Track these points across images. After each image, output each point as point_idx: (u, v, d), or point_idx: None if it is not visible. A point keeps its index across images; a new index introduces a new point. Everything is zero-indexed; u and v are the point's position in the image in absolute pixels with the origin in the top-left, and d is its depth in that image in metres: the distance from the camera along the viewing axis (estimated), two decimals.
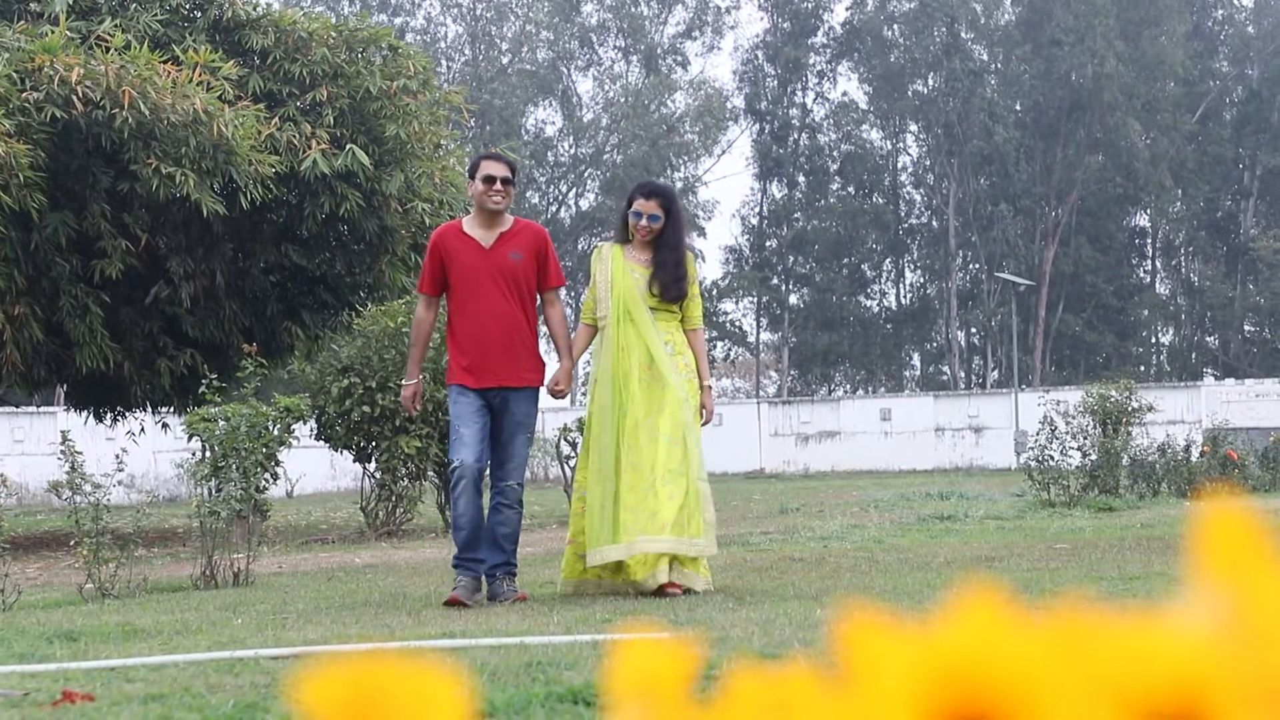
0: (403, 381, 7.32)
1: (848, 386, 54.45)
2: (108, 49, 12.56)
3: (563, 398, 7.20)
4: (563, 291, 7.36)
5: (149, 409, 16.32)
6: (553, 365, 7.44)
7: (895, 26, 50.87)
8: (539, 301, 7.12)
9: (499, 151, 7.93)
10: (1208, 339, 54.40)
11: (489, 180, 6.90)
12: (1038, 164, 49.58)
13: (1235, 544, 0.41)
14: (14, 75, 12.09)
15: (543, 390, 7.12)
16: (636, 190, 7.20)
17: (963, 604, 0.44)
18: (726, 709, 0.50)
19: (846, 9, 52.34)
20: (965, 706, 0.43)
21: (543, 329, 7.27)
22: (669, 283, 6.96)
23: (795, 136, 52.49)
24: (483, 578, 6.85)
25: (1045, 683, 0.43)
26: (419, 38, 50.25)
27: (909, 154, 54.05)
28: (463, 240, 6.97)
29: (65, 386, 16.50)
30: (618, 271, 7.00)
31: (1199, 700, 0.41)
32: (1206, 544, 0.42)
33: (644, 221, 6.99)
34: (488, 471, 6.97)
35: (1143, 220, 54.16)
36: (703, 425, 7.01)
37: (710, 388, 7.11)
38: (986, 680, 0.43)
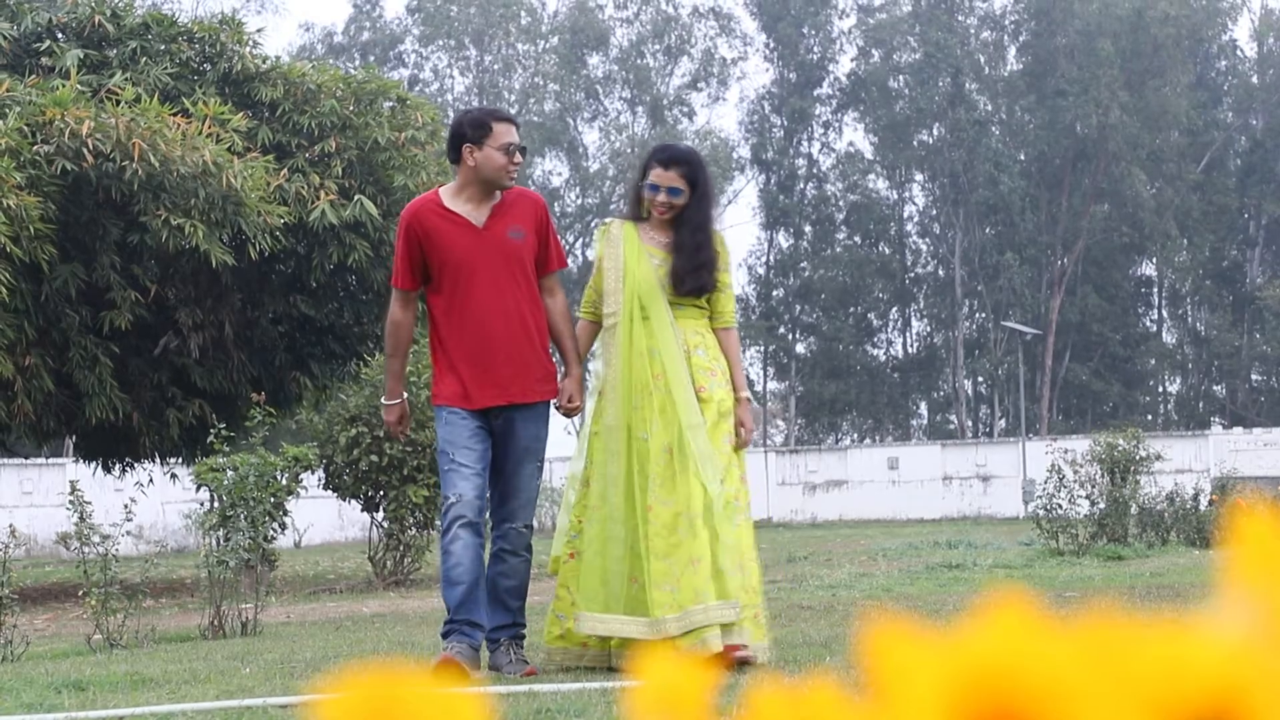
0: (383, 402, 5.84)
1: (855, 435, 54.34)
2: (118, 102, 12.64)
3: (576, 415, 5.83)
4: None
5: (157, 459, 16.33)
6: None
7: (900, 77, 51.11)
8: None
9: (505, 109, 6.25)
10: (1215, 388, 54.31)
11: (511, 151, 5.46)
12: (1043, 213, 49.67)
13: (1269, 551, 0.41)
14: (25, 128, 12.17)
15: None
16: (653, 156, 5.63)
17: (992, 614, 0.44)
18: None
19: (851, 60, 52.66)
20: (997, 718, 0.44)
21: None
22: (686, 271, 5.49)
23: (801, 186, 52.64)
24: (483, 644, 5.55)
25: (1078, 693, 0.43)
26: (426, 89, 50.56)
27: (915, 203, 54.20)
28: (447, 218, 5.49)
29: (74, 437, 16.51)
30: (631, 256, 5.53)
31: (1234, 710, 0.42)
32: (1240, 552, 0.42)
33: (661, 197, 5.51)
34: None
35: (1149, 269, 54.21)
36: (739, 448, 5.56)
37: (748, 400, 5.64)
38: (1018, 691, 0.44)
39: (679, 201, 5.51)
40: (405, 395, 5.79)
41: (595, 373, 5.75)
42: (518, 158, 5.46)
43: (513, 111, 50.88)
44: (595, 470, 5.48)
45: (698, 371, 5.50)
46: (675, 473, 5.30)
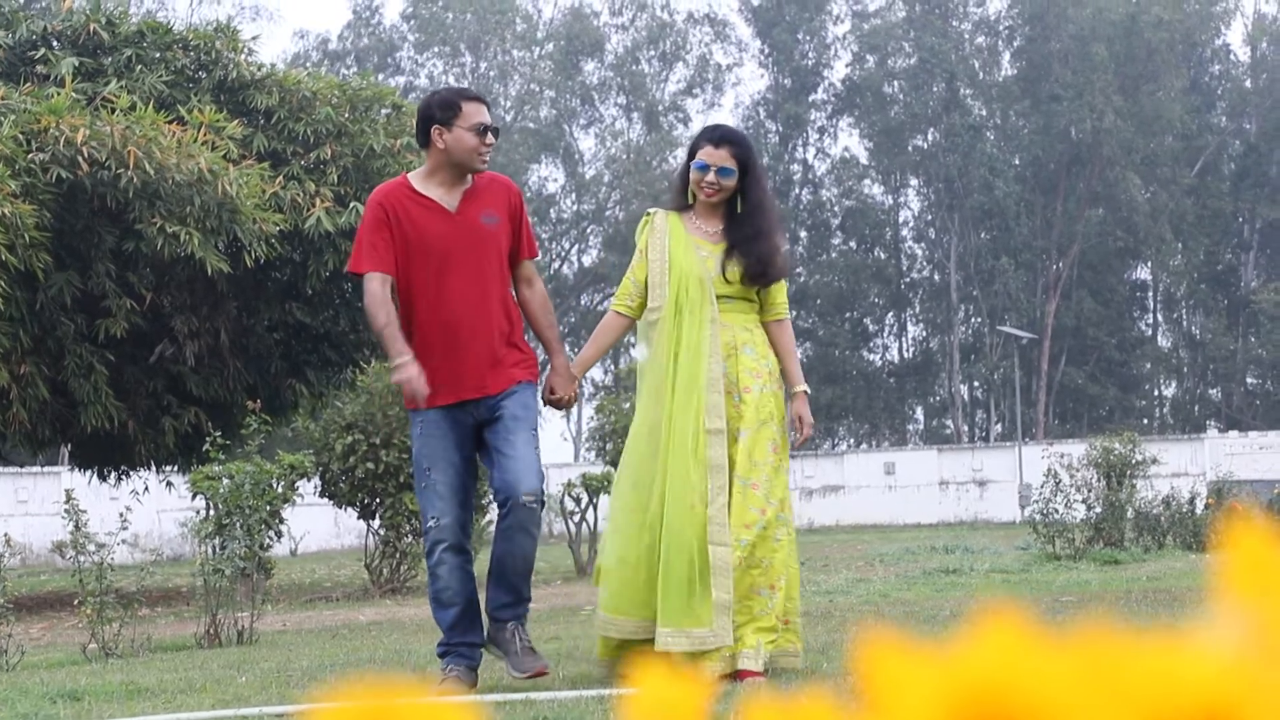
0: (392, 364, 5.14)
1: (851, 441, 54.35)
2: (113, 110, 12.64)
3: (566, 407, 5.49)
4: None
5: (153, 468, 16.31)
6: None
7: (895, 82, 51.15)
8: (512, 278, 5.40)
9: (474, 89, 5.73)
10: (1210, 391, 54.35)
11: (483, 132, 5.17)
12: (1038, 218, 49.73)
13: (1261, 566, 0.41)
14: (20, 137, 12.17)
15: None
16: (702, 135, 5.37)
17: (986, 624, 0.44)
18: None
19: (846, 65, 52.68)
20: None
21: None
22: (764, 259, 5.24)
23: (797, 192, 52.69)
24: (484, 646, 5.38)
25: (1072, 705, 0.43)
26: (422, 96, 50.55)
27: (910, 208, 54.25)
28: (419, 203, 5.17)
29: (69, 446, 16.50)
30: (677, 248, 5.24)
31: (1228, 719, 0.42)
32: (1234, 561, 0.42)
33: (710, 176, 5.22)
34: (486, 498, 5.38)
35: (1144, 273, 54.27)
36: (799, 443, 5.29)
37: (806, 394, 5.39)
38: (1012, 702, 0.44)
39: (728, 183, 5.24)
40: (412, 354, 5.11)
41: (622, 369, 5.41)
42: (490, 138, 5.15)
43: (508, 118, 51.00)
44: (627, 474, 5.24)
45: (743, 372, 5.23)
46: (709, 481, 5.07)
